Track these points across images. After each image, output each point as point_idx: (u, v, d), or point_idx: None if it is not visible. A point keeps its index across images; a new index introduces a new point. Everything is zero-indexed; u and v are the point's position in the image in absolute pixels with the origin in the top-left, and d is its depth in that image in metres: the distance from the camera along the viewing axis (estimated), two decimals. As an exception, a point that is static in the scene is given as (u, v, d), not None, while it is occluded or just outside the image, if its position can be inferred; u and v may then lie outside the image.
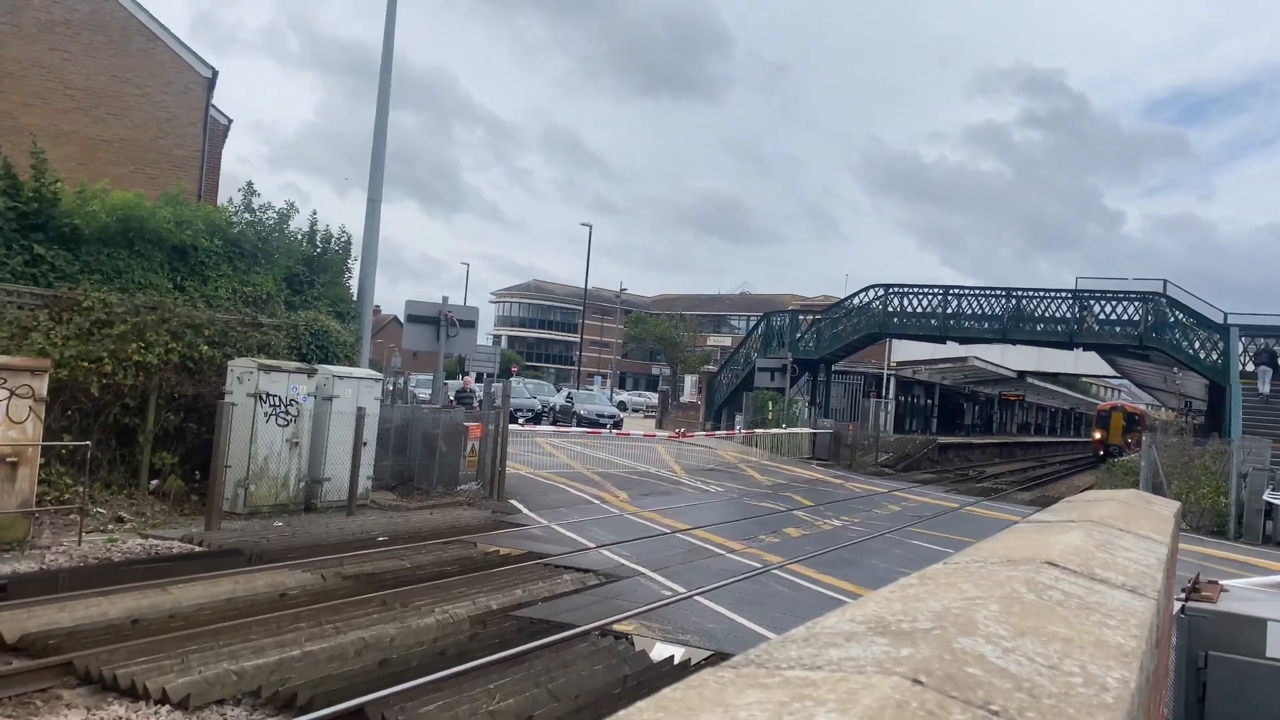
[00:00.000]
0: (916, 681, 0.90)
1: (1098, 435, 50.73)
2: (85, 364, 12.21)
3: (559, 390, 51.80)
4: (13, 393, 10.20)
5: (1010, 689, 0.96)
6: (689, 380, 58.11)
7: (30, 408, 10.40)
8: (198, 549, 10.82)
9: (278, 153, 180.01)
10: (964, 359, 46.37)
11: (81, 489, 11.54)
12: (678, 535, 14.23)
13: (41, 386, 10.57)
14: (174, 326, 13.26)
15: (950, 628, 1.15)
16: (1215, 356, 29.55)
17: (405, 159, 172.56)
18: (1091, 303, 32.22)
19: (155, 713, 6.07)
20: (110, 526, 11.58)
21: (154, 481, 13.19)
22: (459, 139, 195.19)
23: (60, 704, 6.19)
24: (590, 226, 59.02)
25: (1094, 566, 1.86)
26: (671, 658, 8.03)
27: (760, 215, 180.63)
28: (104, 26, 23.57)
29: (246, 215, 16.19)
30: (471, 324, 19.52)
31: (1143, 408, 58.45)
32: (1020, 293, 33.55)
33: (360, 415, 14.37)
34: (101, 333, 12.60)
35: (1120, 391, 74.96)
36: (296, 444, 13.69)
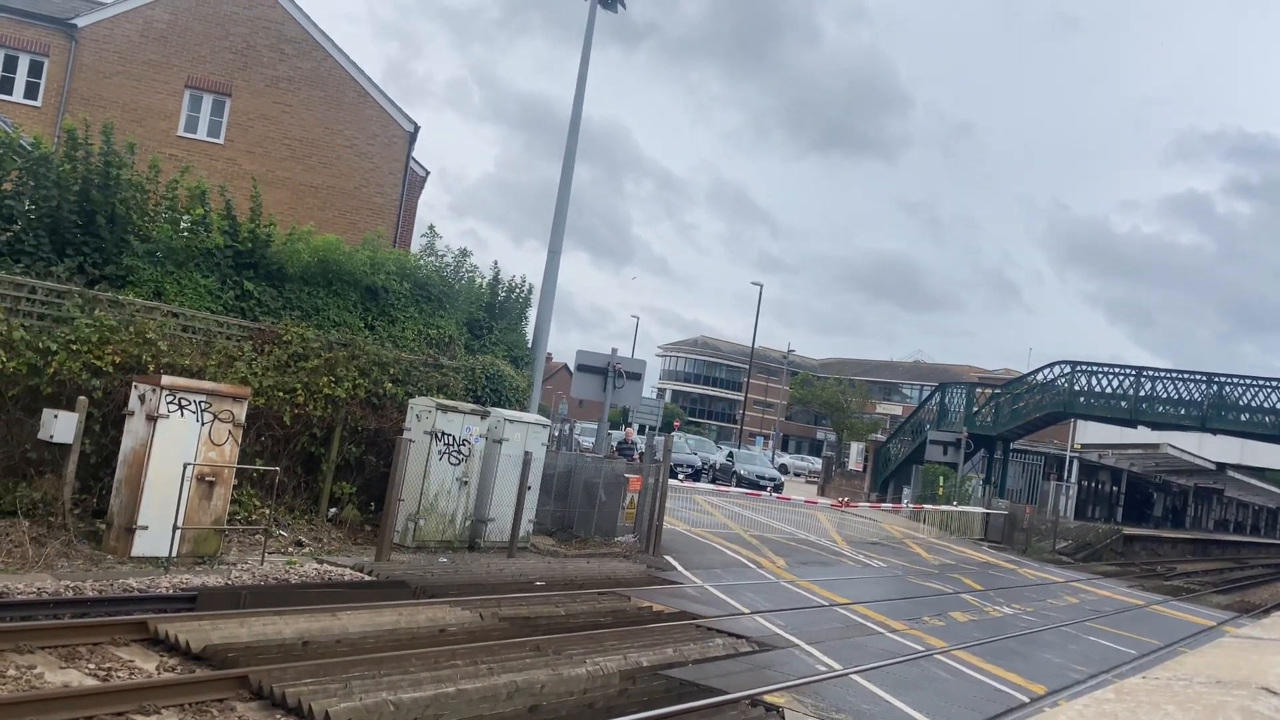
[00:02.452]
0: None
1: None
2: (280, 394, 13.03)
3: (720, 448, 51.59)
4: (216, 417, 10.99)
5: (1235, 843, 0.84)
6: (855, 447, 56.72)
7: (230, 432, 11.17)
8: (367, 578, 11.27)
9: (459, 200, 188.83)
10: (1155, 446, 43.26)
11: (268, 511, 12.27)
12: (836, 609, 13.79)
13: (241, 412, 11.34)
14: (363, 363, 14.00)
15: (1159, 759, 1.02)
16: None
17: (577, 210, 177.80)
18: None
19: (316, 734, 6.30)
20: (290, 549, 12.23)
21: (332, 509, 13.88)
22: (629, 192, 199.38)
23: (233, 715, 6.52)
24: (761, 285, 59.03)
25: (1322, 699, 1.65)
26: (823, 736, 7.73)
27: (936, 280, 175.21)
28: (322, 82, 25.58)
29: (432, 259, 17.04)
30: (638, 377, 19.75)
31: None
32: (1223, 378, 31.18)
33: (527, 459, 14.71)
34: (297, 365, 13.44)
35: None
36: (466, 483, 14.13)
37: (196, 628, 7.99)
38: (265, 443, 13.06)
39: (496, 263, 18.32)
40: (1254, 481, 61.56)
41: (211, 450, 10.96)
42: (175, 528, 10.48)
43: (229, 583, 10.02)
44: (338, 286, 15.13)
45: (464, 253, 17.61)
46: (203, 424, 10.86)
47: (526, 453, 14.79)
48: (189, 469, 10.63)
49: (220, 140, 24.80)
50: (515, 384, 16.87)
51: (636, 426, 29.43)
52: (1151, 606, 20.69)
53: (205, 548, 10.92)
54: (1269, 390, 30.32)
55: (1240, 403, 30.74)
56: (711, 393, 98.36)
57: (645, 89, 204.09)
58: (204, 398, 10.90)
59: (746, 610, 12.56)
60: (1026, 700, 9.94)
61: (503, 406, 15.84)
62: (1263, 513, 78.14)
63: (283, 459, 13.12)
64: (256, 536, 12.03)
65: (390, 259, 16.04)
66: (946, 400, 36.72)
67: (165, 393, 10.55)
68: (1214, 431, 33.13)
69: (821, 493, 39.44)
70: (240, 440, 11.41)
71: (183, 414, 10.68)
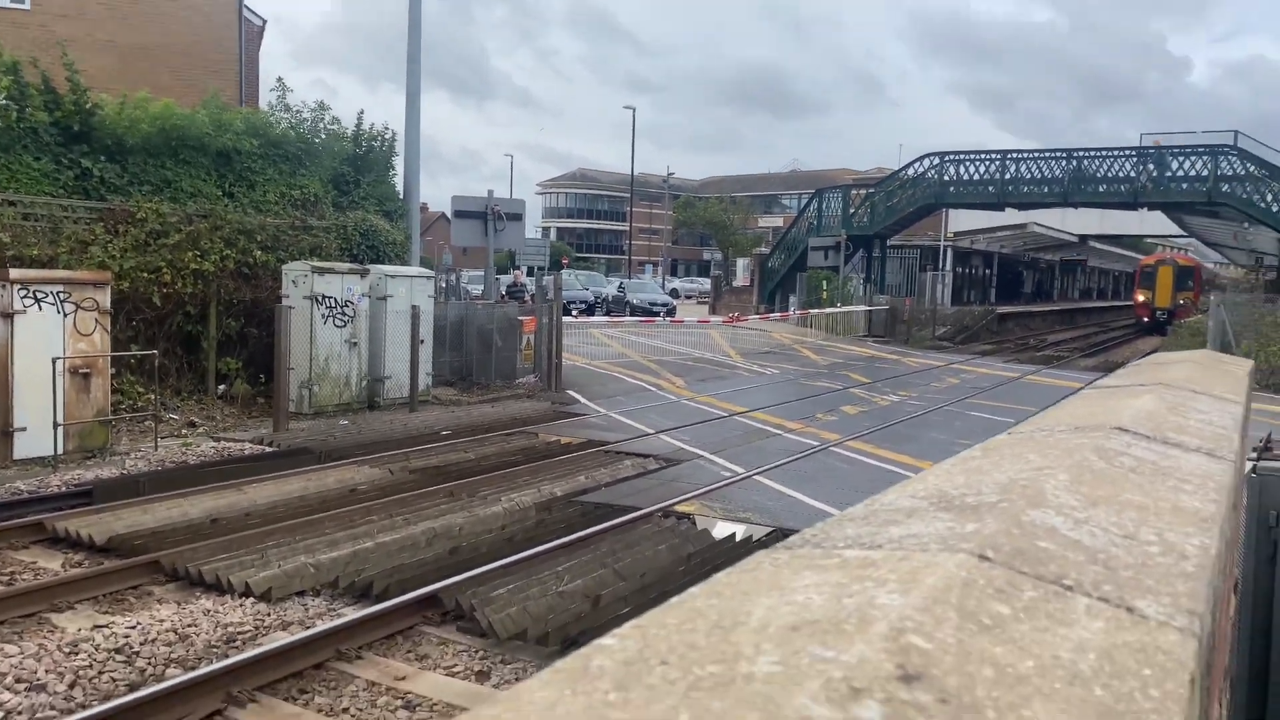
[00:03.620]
0: (983, 558, 0.86)
1: (1140, 298, 42.72)
2: (145, 274, 12.43)
3: (610, 280, 51.73)
4: (78, 306, 10.44)
5: (1084, 561, 0.92)
6: (741, 264, 57.61)
7: (96, 320, 10.65)
8: (268, 449, 11.15)
9: (301, 49, 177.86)
10: (1022, 225, 45.15)
11: (153, 396, 11.90)
12: (735, 418, 14.31)
13: (105, 299, 10.80)
14: (227, 233, 13.38)
15: (1018, 500, 1.10)
16: (1289, 209, 28.36)
17: (430, 47, 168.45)
18: (1156, 159, 30.99)
19: (240, 605, 6.35)
20: (183, 431, 11.96)
21: (221, 386, 13.55)
22: (480, 19, 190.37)
23: (152, 599, 6.50)
24: (634, 109, 58.00)
25: (1167, 430, 1.79)
26: (733, 535, 8.16)
27: (804, 84, 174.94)
28: (130, -70, 23.17)
29: (285, 115, 16.11)
30: (519, 217, 19.42)
31: (1196, 259, 53.11)
32: (1081, 153, 32.33)
33: (415, 313, 14.50)
34: (157, 243, 12.77)
35: (1188, 251, 72.66)
36: (355, 344, 13.91)
37: (98, 520, 7.84)
38: (138, 327, 12.54)
39: (362, 113, 17.43)
40: (1113, 249, 65.19)
41: (80, 341, 10.47)
42: (56, 425, 10.09)
43: (124, 472, 9.79)
44: (185, 155, 14.23)
45: (322, 106, 16.70)
46: (65, 315, 10.32)
47: (414, 307, 14.56)
48: (59, 363, 10.16)
49: (25, 5, 22.46)
50: (392, 238, 16.41)
51: (525, 268, 29.15)
52: (1026, 378, 22.06)
53: (93, 441, 10.59)
54: (1123, 159, 31.62)
55: (1098, 175, 32.04)
56: (596, 226, 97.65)
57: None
58: (61, 288, 10.31)
59: (651, 430, 12.93)
60: (918, 477, 10.62)
61: (382, 263, 15.44)
62: (1122, 278, 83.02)
63: (159, 341, 12.65)
64: (146, 423, 11.71)
65: (237, 118, 15.09)
66: (824, 206, 37.26)
67: (17, 287, 9.93)
68: (1075, 205, 34.61)
69: (713, 312, 40.18)
70: (110, 328, 10.91)
71: (40, 307, 10.11)
